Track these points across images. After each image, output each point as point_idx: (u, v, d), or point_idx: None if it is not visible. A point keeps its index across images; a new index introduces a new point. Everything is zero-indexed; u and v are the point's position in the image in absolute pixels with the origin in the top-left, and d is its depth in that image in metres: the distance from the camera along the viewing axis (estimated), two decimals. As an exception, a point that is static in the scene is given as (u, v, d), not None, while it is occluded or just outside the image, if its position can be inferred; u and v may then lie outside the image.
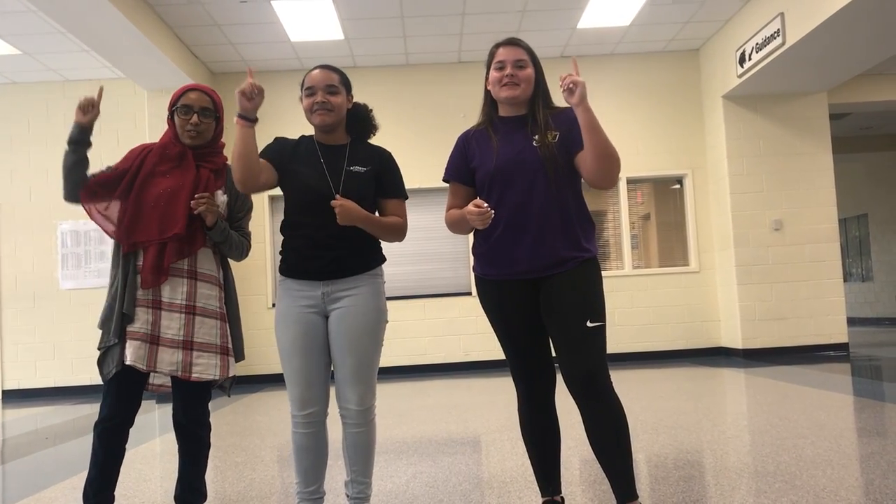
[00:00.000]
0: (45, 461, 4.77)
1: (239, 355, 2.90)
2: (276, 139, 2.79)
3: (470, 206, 2.45)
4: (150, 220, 2.71)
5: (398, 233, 2.78)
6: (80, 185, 2.74)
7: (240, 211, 2.93)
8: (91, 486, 2.71)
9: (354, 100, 2.82)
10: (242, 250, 2.91)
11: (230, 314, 2.87)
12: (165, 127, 2.88)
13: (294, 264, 2.70)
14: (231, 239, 2.84)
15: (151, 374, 2.78)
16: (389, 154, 2.82)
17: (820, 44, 7.33)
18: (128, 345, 2.64)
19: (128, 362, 2.61)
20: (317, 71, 2.72)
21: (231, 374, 2.83)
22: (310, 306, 2.67)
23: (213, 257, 2.82)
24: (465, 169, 2.67)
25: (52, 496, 3.69)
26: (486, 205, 2.42)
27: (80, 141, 2.74)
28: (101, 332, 2.71)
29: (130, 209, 2.72)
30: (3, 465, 4.71)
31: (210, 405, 2.90)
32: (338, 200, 2.60)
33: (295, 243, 2.70)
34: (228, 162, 2.83)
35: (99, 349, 2.71)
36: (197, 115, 2.77)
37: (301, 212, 2.69)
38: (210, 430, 2.90)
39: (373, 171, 2.74)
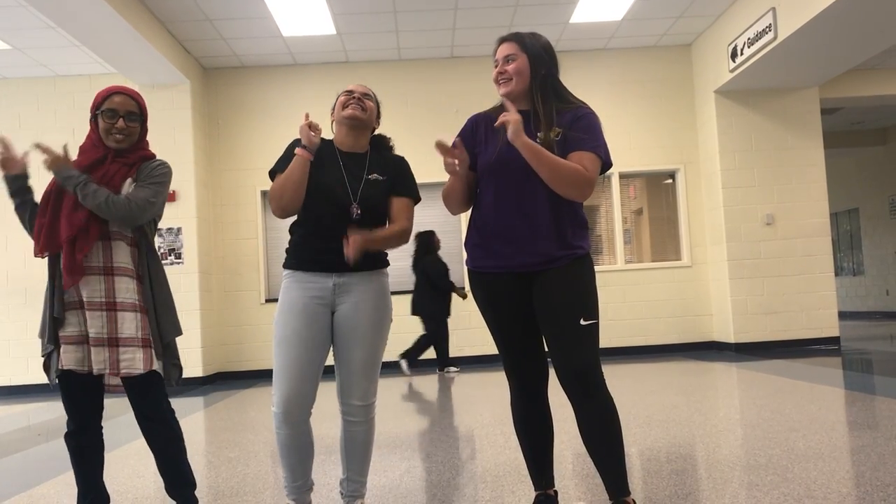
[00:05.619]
0: (37, 457, 4.76)
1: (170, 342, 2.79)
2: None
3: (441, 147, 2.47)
4: (62, 225, 2.62)
5: (401, 238, 2.77)
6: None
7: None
8: (82, 496, 2.72)
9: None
10: (106, 204, 2.59)
11: (158, 302, 2.74)
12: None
13: (306, 257, 2.69)
14: (76, 183, 2.59)
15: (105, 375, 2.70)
16: (405, 161, 2.87)
17: (811, 39, 7.35)
18: (63, 350, 2.59)
19: (64, 367, 2.58)
20: (355, 84, 2.84)
21: (154, 367, 2.70)
22: (318, 298, 2.67)
23: (127, 250, 2.71)
24: (469, 152, 2.63)
25: (45, 492, 3.69)
26: (454, 155, 2.47)
27: (19, 189, 2.65)
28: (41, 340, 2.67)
29: (47, 221, 2.62)
30: (-5, 461, 4.70)
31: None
32: (350, 242, 2.56)
33: (307, 240, 2.70)
34: (158, 157, 2.82)
35: (42, 356, 2.66)
36: (123, 119, 2.68)
37: (316, 215, 2.68)
38: (173, 420, 2.80)
39: (390, 179, 2.78)
